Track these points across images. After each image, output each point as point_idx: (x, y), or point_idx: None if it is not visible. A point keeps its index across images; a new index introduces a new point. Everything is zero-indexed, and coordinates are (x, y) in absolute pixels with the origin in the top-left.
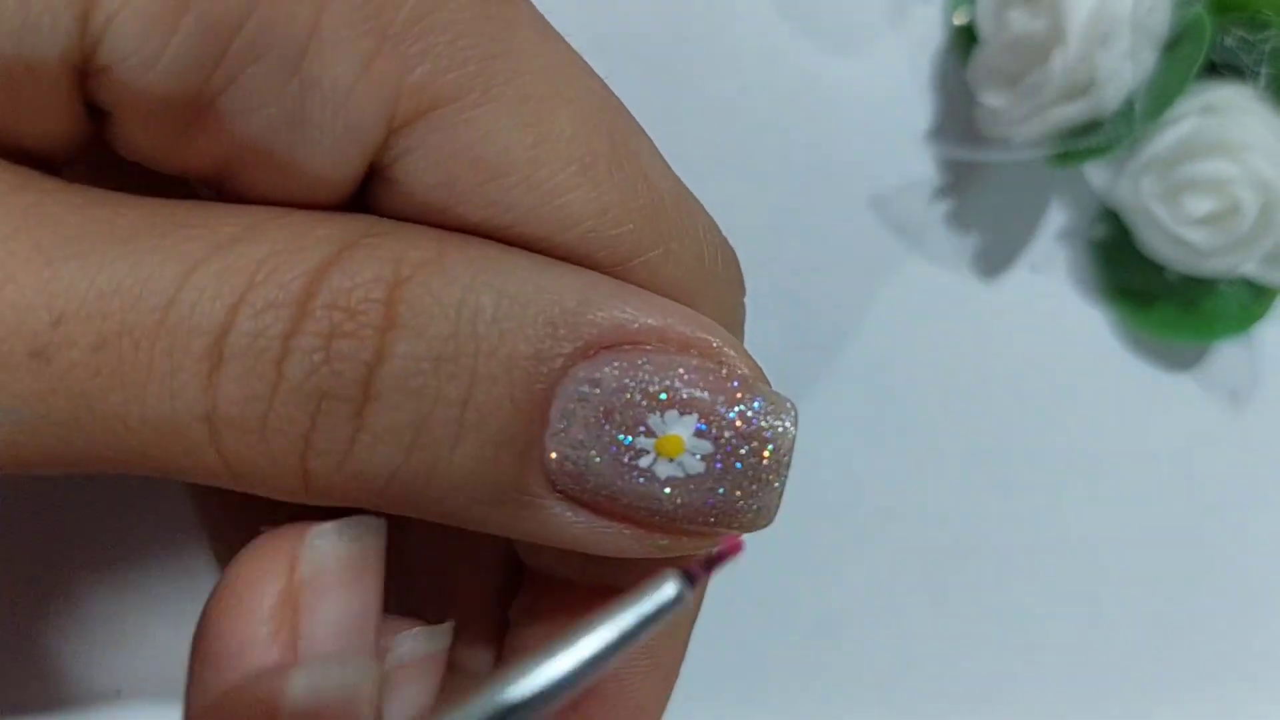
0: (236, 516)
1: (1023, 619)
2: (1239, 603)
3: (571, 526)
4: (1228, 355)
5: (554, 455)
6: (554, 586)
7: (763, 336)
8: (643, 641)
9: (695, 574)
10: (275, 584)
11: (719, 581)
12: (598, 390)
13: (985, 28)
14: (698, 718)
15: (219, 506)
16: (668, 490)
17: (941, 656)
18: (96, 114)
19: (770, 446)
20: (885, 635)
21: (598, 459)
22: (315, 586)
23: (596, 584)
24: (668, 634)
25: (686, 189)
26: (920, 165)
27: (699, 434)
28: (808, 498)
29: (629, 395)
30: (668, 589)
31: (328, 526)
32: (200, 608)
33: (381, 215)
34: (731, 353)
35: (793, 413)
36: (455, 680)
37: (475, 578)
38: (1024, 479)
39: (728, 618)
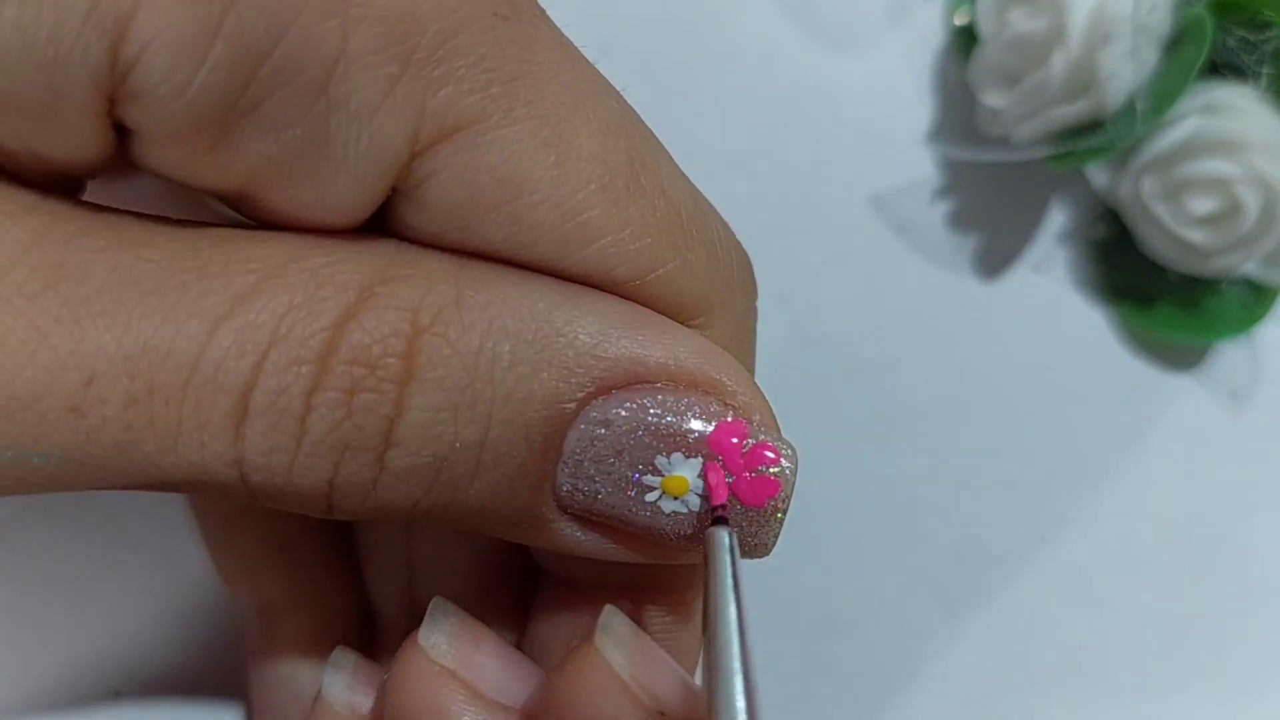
0: (232, 520)
1: (1022, 618)
2: (1239, 602)
3: (581, 543)
4: (1228, 355)
5: (565, 487)
6: (569, 585)
7: (763, 336)
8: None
9: (724, 521)
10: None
11: None
12: (608, 431)
13: (985, 28)
14: None
15: (214, 512)
16: (671, 524)
17: (940, 655)
18: (122, 130)
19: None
20: (885, 634)
21: (606, 492)
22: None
23: (607, 584)
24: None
25: (701, 196)
26: (920, 165)
27: (703, 475)
28: (808, 497)
29: (638, 437)
30: (722, 536)
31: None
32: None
33: (406, 234)
34: (739, 390)
35: (793, 457)
36: None
37: (496, 578)
38: (1024, 479)
39: None
